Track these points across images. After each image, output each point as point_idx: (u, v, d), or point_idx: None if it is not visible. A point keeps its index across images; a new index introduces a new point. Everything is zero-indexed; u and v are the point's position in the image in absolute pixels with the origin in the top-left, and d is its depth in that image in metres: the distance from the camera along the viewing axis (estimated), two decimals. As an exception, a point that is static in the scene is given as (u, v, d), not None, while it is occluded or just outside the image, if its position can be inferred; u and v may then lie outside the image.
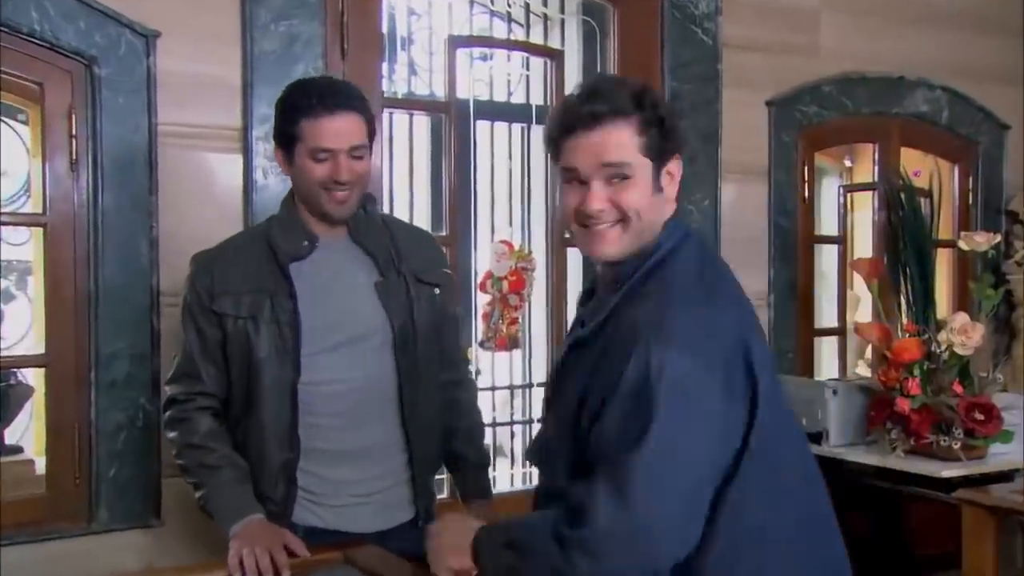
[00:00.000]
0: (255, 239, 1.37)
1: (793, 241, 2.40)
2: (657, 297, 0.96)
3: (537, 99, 2.32)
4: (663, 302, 0.95)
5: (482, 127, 2.33)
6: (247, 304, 1.31)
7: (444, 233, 2.05)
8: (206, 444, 1.32)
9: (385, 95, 2.03)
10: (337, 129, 1.28)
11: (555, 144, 1.02)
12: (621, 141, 0.99)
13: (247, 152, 1.78)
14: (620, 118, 0.99)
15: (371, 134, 1.33)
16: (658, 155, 1.01)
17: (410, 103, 2.30)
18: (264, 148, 1.77)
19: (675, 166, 1.04)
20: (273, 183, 1.78)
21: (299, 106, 1.30)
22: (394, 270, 1.36)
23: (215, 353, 1.33)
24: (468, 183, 2.27)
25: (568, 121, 1.00)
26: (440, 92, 2.19)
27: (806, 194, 2.44)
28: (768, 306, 2.35)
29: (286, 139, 1.31)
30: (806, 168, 2.44)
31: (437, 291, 1.41)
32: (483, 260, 2.26)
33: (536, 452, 1.07)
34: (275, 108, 1.35)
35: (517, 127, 2.38)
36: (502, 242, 2.19)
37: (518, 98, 2.39)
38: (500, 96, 2.40)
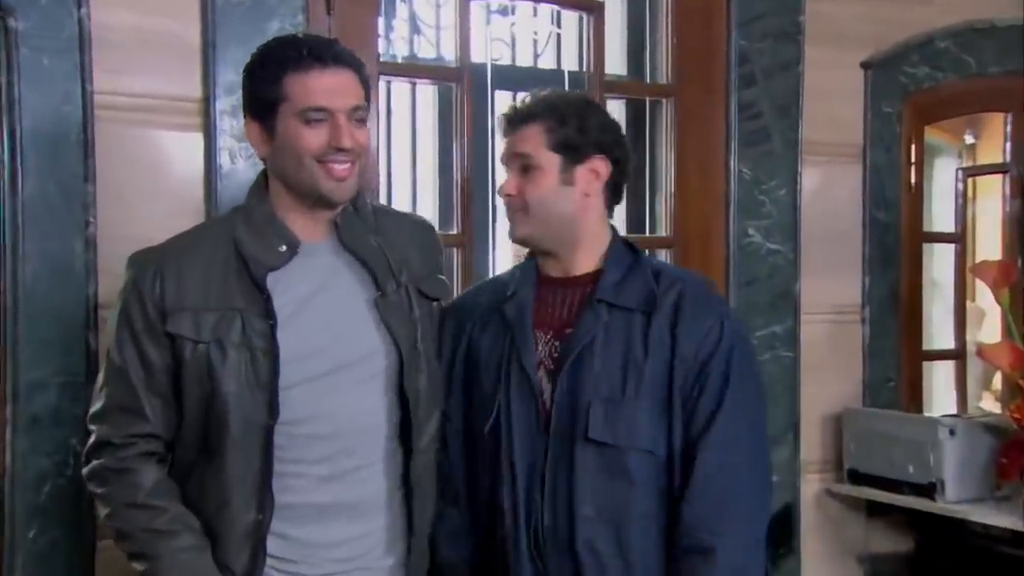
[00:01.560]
0: (218, 238, 1.29)
1: (895, 240, 2.32)
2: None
3: (570, 63, 2.35)
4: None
5: (502, 99, 2.32)
6: (210, 324, 1.24)
7: (455, 231, 2.02)
8: (153, 503, 1.25)
9: (382, 59, 2.01)
10: (334, 85, 1.24)
11: None
12: (530, 137, 1.36)
13: (209, 129, 1.72)
14: (532, 120, 1.36)
15: (368, 101, 1.30)
16: (567, 150, 1.35)
17: (413, 69, 2.30)
18: (231, 125, 1.72)
19: (600, 165, 1.37)
20: (242, 168, 1.73)
21: (283, 59, 1.24)
22: (393, 281, 1.32)
23: (163, 384, 1.26)
24: (485, 169, 2.22)
25: (502, 127, 1.41)
26: (450, 55, 2.18)
27: (912, 180, 2.35)
28: (862, 322, 2.27)
29: (264, 105, 1.25)
30: (913, 147, 2.34)
31: (436, 305, 1.38)
32: (503, 264, 2.25)
33: (596, 424, 1.31)
34: (246, 71, 1.29)
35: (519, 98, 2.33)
36: None
37: (547, 62, 2.42)
38: (525, 60, 2.43)
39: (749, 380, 1.35)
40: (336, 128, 1.24)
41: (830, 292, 2.22)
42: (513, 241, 1.42)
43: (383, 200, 1.98)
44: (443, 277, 1.43)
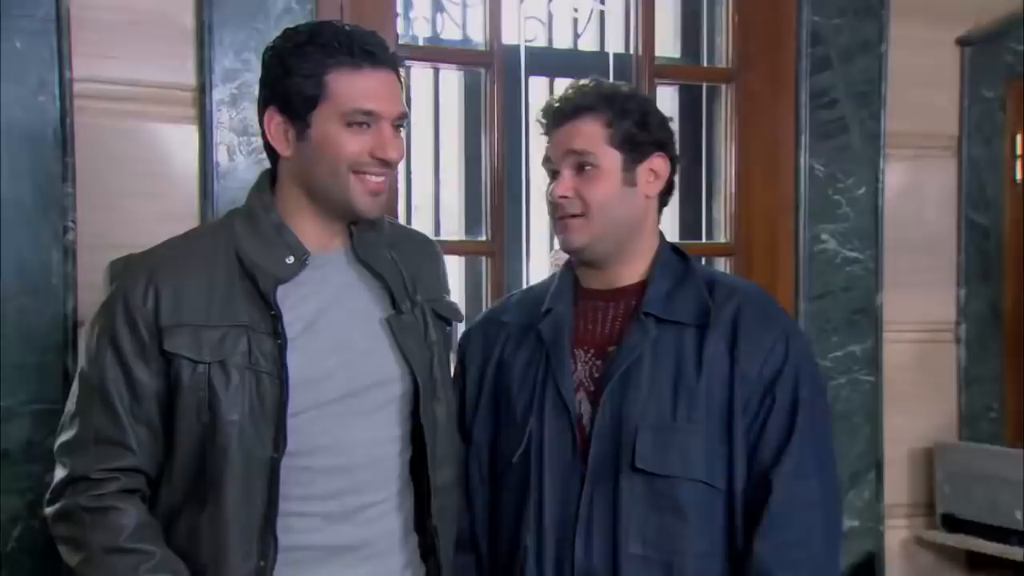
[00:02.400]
0: (217, 246, 1.27)
1: (996, 246, 2.26)
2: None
3: (616, 45, 2.26)
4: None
5: (538, 86, 2.26)
6: (212, 343, 1.21)
7: (483, 238, 2.01)
8: (138, 546, 1.20)
9: (401, 41, 1.99)
10: (384, 88, 1.23)
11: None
12: (587, 132, 1.33)
13: (204, 122, 1.70)
14: (587, 113, 1.33)
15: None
16: (631, 147, 1.33)
17: (436, 52, 2.22)
18: (229, 116, 1.71)
19: (660, 164, 1.36)
20: (242, 166, 1.72)
21: (330, 51, 1.22)
22: (408, 300, 1.31)
23: (151, 411, 1.22)
24: (518, 166, 2.19)
25: (547, 122, 1.37)
26: (478, 36, 2.15)
27: (1018, 176, 2.27)
28: (957, 342, 2.22)
29: (298, 100, 1.22)
30: (1019, 138, 2.28)
31: (449, 329, 1.37)
32: (537, 276, 2.20)
33: (651, 454, 1.29)
34: (275, 57, 1.25)
35: (561, 88, 2.29)
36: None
37: (588, 44, 2.32)
38: (563, 42, 2.33)
39: (819, 403, 1.33)
40: (381, 136, 1.22)
41: (918, 307, 2.15)
42: (568, 252, 1.37)
43: (401, 203, 1.95)
44: (452, 300, 1.42)
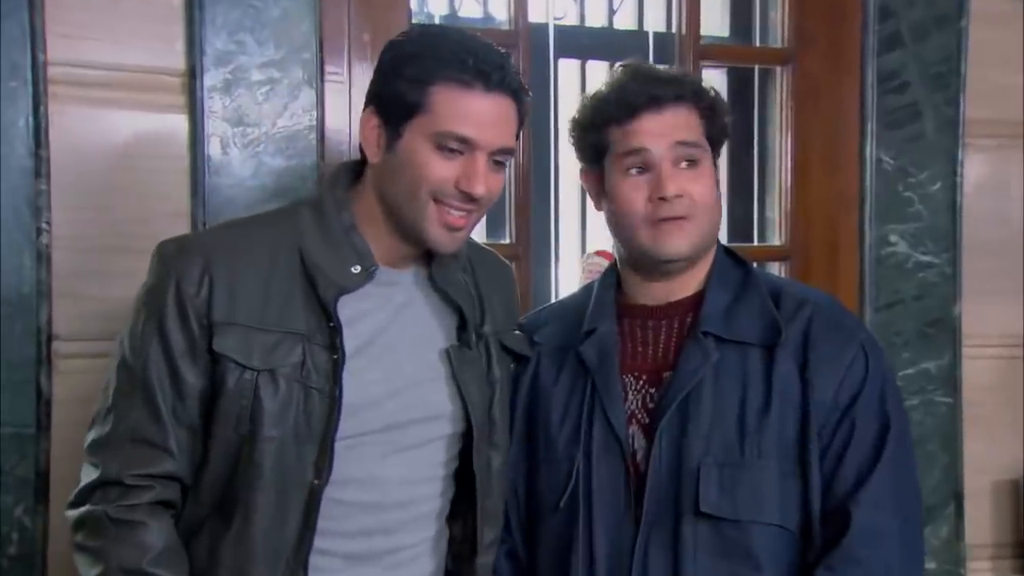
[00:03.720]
0: (280, 240, 1.27)
1: None
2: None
3: (656, 23, 2.28)
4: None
5: (568, 69, 2.28)
6: (264, 348, 1.22)
7: (507, 241, 2.03)
8: (161, 572, 1.20)
9: (414, 19, 1.98)
10: (491, 115, 1.23)
11: (601, 132, 1.34)
12: (692, 123, 1.33)
13: (195, 111, 1.69)
14: (686, 102, 1.33)
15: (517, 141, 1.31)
16: (715, 145, 1.36)
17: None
18: (223, 104, 1.71)
19: (718, 162, 1.39)
20: (237, 159, 1.72)
21: (440, 60, 1.23)
22: (474, 332, 1.32)
23: (194, 413, 1.23)
24: (547, 160, 2.23)
25: (629, 103, 1.31)
26: (501, 14, 2.15)
27: None
28: None
29: (396, 105, 1.24)
30: None
31: (515, 366, 1.38)
32: (567, 283, 2.27)
33: (718, 498, 1.26)
34: (388, 52, 1.27)
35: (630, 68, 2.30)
36: (599, 254, 2.14)
37: (624, 21, 2.34)
38: (596, 19, 2.36)
39: (903, 423, 1.32)
40: (472, 168, 1.22)
41: (1002, 318, 2.11)
42: (666, 257, 1.33)
43: None
44: (521, 334, 1.42)
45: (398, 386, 1.26)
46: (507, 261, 1.51)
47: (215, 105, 1.69)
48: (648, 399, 1.30)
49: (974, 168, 2.10)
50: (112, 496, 1.22)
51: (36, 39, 1.59)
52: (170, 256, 1.24)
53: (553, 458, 1.32)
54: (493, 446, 1.30)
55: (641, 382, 1.31)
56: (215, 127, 1.69)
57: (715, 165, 1.37)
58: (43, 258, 1.60)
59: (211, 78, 1.68)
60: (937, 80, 2.05)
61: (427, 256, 1.31)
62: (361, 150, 1.29)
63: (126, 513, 1.21)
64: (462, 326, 1.31)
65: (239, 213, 1.67)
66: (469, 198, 1.23)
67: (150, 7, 1.68)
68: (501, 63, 1.25)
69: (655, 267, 1.34)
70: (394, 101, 1.23)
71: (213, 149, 1.69)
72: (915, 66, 2.03)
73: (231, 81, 1.68)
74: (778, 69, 2.13)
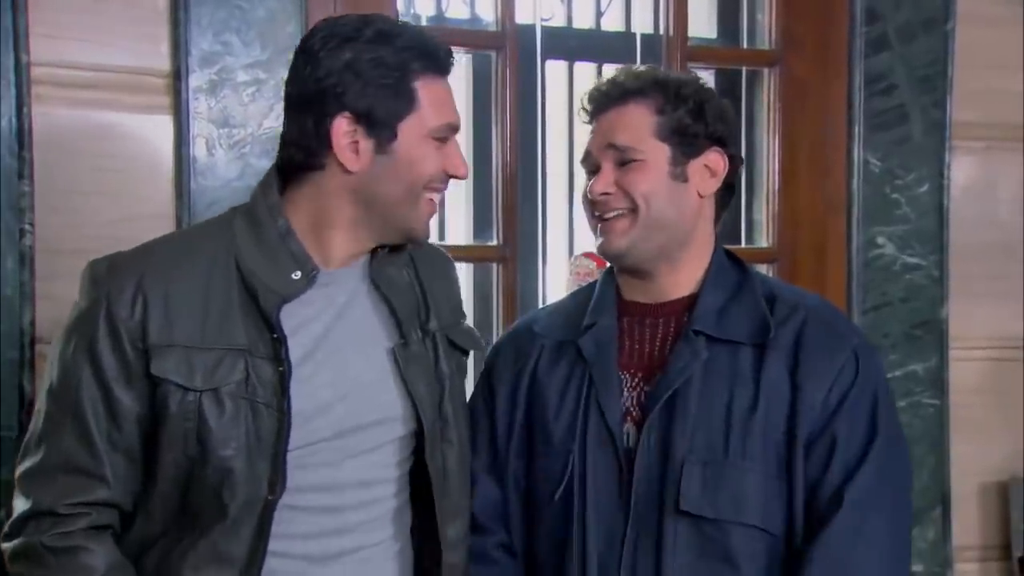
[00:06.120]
0: (215, 252, 1.24)
1: None
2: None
3: (643, 24, 2.27)
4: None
5: (555, 71, 2.30)
6: (206, 368, 1.20)
7: (494, 243, 2.01)
8: None
9: (401, 20, 1.93)
10: (453, 99, 1.27)
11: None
12: (632, 122, 1.31)
13: (180, 112, 1.70)
14: (634, 98, 1.31)
15: None
16: (682, 140, 1.30)
17: (441, 32, 2.18)
18: (208, 105, 1.71)
19: (717, 160, 1.33)
20: (222, 161, 1.73)
21: (419, 55, 1.22)
22: (418, 328, 1.30)
23: (131, 437, 1.21)
24: (533, 160, 2.23)
25: (588, 107, 1.35)
26: (488, 15, 2.17)
27: None
28: None
29: (381, 110, 1.22)
30: None
31: (465, 358, 1.37)
32: (555, 284, 2.26)
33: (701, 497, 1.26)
34: (330, 55, 1.22)
35: (611, 72, 2.29)
36: (586, 256, 2.14)
37: (612, 23, 2.34)
38: (584, 21, 2.36)
39: (894, 428, 1.31)
40: (454, 152, 1.24)
41: (989, 320, 2.13)
42: (609, 258, 1.35)
43: None
44: (470, 326, 1.42)
45: (346, 390, 1.24)
46: (445, 251, 1.48)
47: (200, 106, 1.69)
48: (643, 396, 1.30)
49: (961, 170, 2.12)
50: (45, 526, 1.19)
51: (19, 39, 1.59)
52: (100, 277, 1.21)
53: (550, 451, 1.33)
54: (447, 443, 1.29)
55: (637, 379, 1.31)
56: (200, 128, 1.70)
57: (680, 161, 1.31)
58: (26, 260, 1.60)
59: (196, 79, 1.69)
60: (924, 82, 2.07)
61: (371, 252, 1.29)
62: (309, 155, 1.22)
63: (62, 540, 1.19)
64: (400, 324, 1.29)
65: (224, 214, 1.71)
66: (456, 177, 1.26)
67: (135, 8, 1.68)
68: (447, 45, 1.27)
69: (621, 267, 1.36)
70: (378, 105, 1.20)
71: (198, 150, 1.70)
72: (902, 68, 2.05)
73: (216, 82, 1.68)
74: (765, 71, 2.15)
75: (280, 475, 1.19)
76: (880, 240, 2.06)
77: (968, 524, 2.11)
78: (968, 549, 2.11)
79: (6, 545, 1.22)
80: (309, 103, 1.21)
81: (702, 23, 2.22)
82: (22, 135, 1.60)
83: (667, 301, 1.33)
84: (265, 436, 1.19)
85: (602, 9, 2.33)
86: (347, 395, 1.24)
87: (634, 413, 1.30)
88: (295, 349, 1.21)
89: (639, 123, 1.30)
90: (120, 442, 1.20)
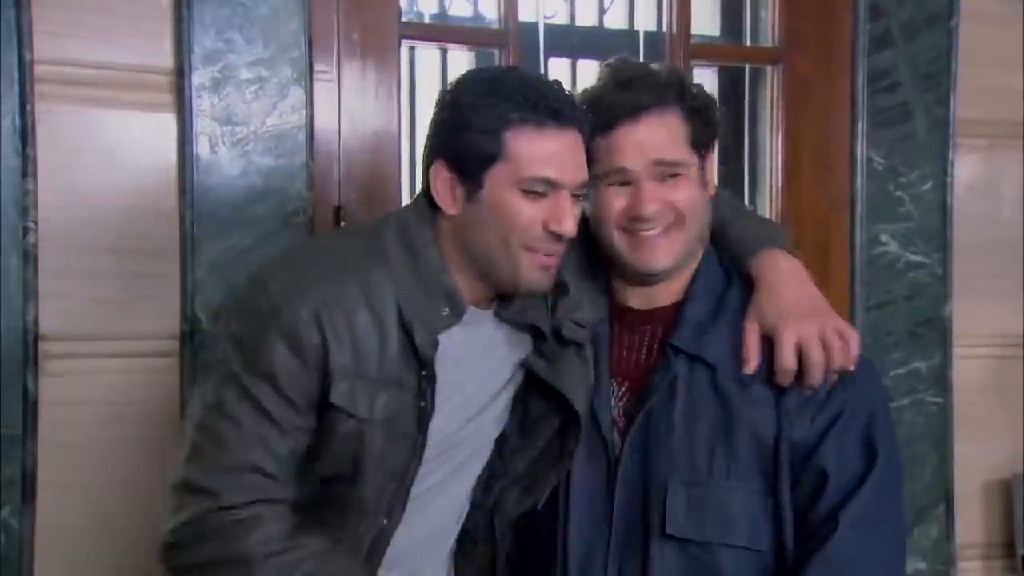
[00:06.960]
0: (378, 277, 1.23)
1: None
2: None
3: (646, 22, 2.30)
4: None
5: (558, 68, 2.31)
6: (367, 397, 1.21)
7: None
8: (298, 543, 1.20)
9: (404, 18, 1.99)
10: (566, 151, 1.23)
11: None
12: (671, 133, 1.26)
13: (183, 109, 1.70)
14: (669, 107, 1.26)
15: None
16: (702, 147, 1.29)
17: (444, 31, 2.24)
18: (212, 103, 1.71)
19: (711, 157, 1.33)
20: (225, 158, 1.72)
21: (512, 104, 1.21)
22: (552, 336, 1.32)
23: (301, 447, 1.22)
24: None
25: (606, 114, 1.25)
26: (491, 13, 2.21)
27: None
28: None
29: (471, 157, 1.22)
30: None
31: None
32: None
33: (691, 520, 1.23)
34: (447, 103, 1.25)
35: (611, 72, 2.29)
36: None
37: (615, 21, 2.37)
38: (586, 19, 2.37)
39: (892, 445, 1.27)
40: (558, 208, 1.21)
41: (993, 318, 2.12)
42: (645, 273, 1.29)
43: (406, 198, 1.91)
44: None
45: (475, 424, 1.28)
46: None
47: (203, 104, 1.69)
48: (629, 406, 1.27)
49: (965, 168, 2.11)
50: (227, 516, 1.19)
51: (23, 37, 1.59)
52: (271, 294, 1.20)
53: None
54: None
55: (623, 388, 1.28)
56: (203, 126, 1.69)
57: (702, 167, 1.30)
58: (30, 258, 1.60)
59: (199, 77, 1.68)
60: (928, 80, 2.06)
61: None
62: (428, 197, 1.25)
63: (248, 511, 1.19)
64: (539, 336, 1.29)
65: (227, 212, 1.68)
66: (558, 237, 1.22)
67: (138, 5, 1.68)
68: (568, 98, 1.24)
69: (636, 277, 1.31)
70: (469, 152, 1.21)
71: (201, 148, 1.69)
72: (906, 66, 2.04)
73: (219, 80, 1.68)
74: (769, 69, 2.13)
75: (400, 504, 1.22)
76: (883, 238, 2.05)
77: (971, 522, 2.10)
78: (971, 547, 2.11)
79: (182, 537, 1.20)
80: (427, 146, 1.25)
81: (705, 20, 2.21)
82: (25, 133, 1.60)
83: (656, 308, 1.30)
84: (399, 471, 1.22)
85: (605, 7, 2.33)
86: (478, 425, 1.28)
87: (620, 424, 1.27)
88: (443, 389, 1.22)
89: (675, 133, 1.26)
90: (295, 456, 1.21)
